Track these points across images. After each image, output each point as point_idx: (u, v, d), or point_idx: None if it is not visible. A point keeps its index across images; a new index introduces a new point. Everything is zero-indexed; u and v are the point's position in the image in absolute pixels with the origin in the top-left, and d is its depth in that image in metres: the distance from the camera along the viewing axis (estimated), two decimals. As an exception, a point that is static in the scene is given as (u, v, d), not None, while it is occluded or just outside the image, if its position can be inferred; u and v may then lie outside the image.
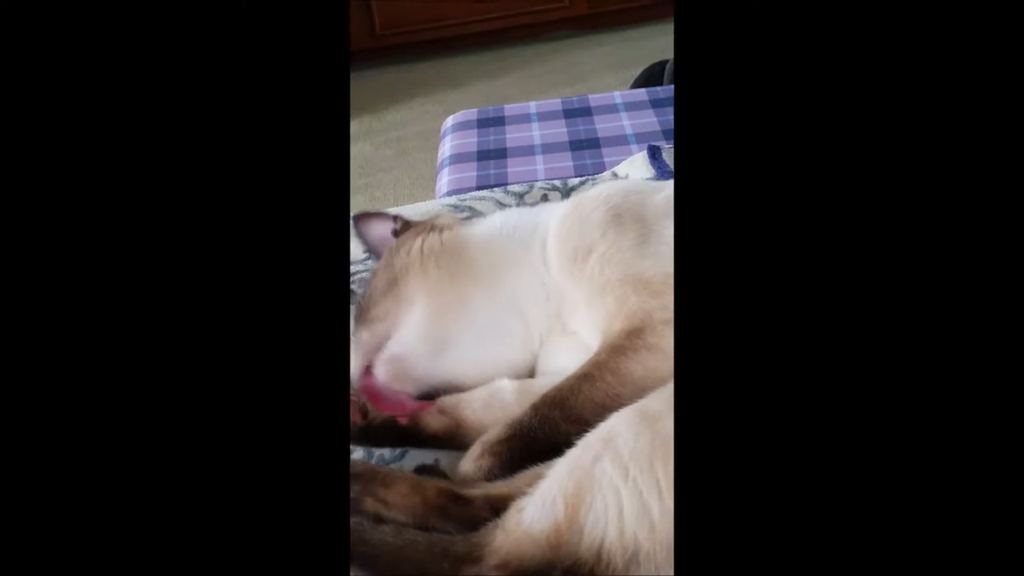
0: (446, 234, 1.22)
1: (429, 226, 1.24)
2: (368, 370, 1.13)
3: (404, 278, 1.16)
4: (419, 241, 1.20)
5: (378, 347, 1.13)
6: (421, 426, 1.10)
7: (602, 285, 1.08)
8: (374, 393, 1.11)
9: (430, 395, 1.13)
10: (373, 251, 1.34)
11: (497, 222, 1.27)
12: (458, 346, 1.14)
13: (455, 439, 1.08)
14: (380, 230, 1.32)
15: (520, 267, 1.17)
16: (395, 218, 1.31)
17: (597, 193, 1.20)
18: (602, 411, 0.94)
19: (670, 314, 1.01)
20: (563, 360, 1.10)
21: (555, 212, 1.22)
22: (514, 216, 1.29)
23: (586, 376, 1.01)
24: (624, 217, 1.12)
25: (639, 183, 1.45)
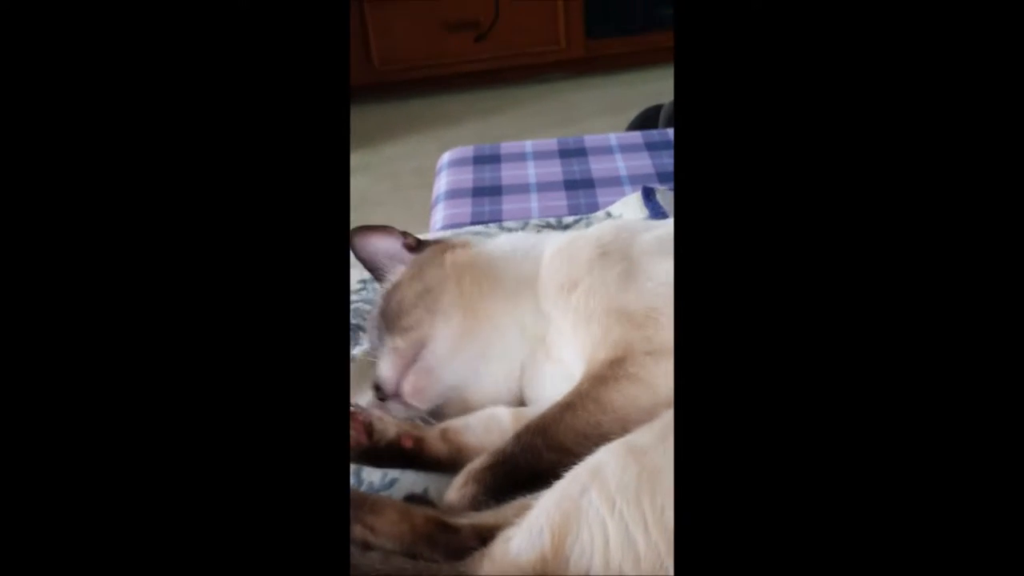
0: (472, 250, 1.25)
1: (450, 244, 1.27)
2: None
3: (439, 290, 1.19)
4: (450, 255, 1.23)
5: (414, 355, 1.15)
6: (424, 450, 1.11)
7: (587, 316, 1.10)
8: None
9: (438, 412, 1.15)
10: (372, 266, 1.31)
11: (508, 244, 1.30)
12: (483, 364, 1.17)
13: (456, 464, 1.09)
14: (384, 245, 1.30)
15: (528, 291, 1.20)
16: (404, 234, 1.30)
17: (590, 232, 1.24)
18: (583, 439, 0.96)
19: (651, 346, 1.03)
20: (550, 388, 1.13)
21: (550, 243, 1.25)
22: (520, 239, 1.33)
23: (568, 405, 1.03)
24: (611, 254, 1.14)
25: (631, 223, 1.48)
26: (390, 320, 1.19)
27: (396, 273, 1.26)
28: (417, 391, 1.14)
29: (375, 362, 1.18)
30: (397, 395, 1.14)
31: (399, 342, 1.16)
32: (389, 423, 1.13)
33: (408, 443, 1.11)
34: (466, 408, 1.15)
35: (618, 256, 1.14)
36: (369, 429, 1.11)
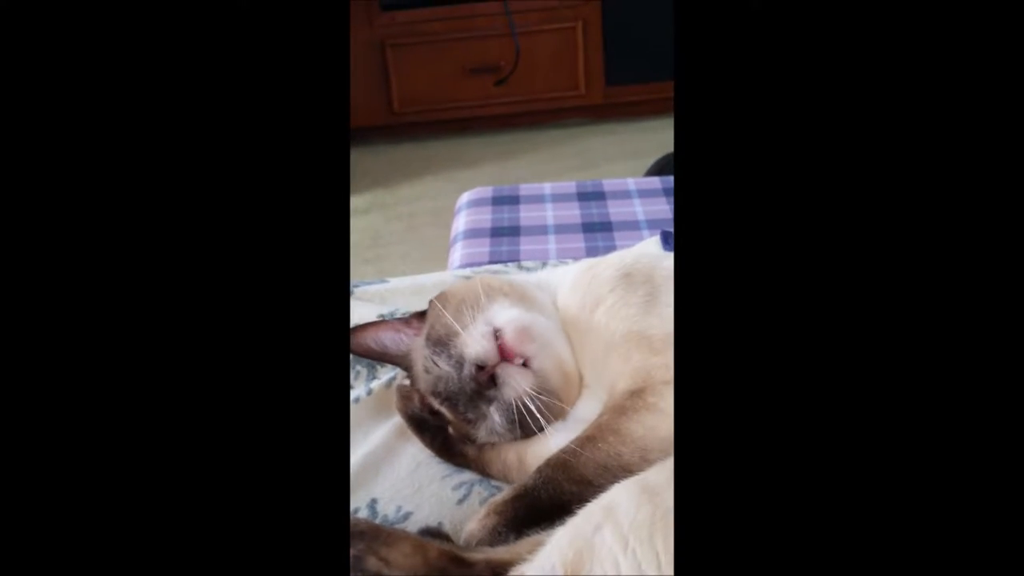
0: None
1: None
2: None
3: (472, 296, 1.18)
4: (468, 281, 1.25)
5: (491, 329, 1.14)
6: (462, 441, 1.15)
7: (608, 341, 1.12)
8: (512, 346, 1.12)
9: (547, 384, 1.13)
10: (380, 355, 1.30)
11: (520, 276, 1.33)
12: (544, 324, 1.17)
13: (479, 462, 1.15)
14: (386, 334, 1.29)
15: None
16: (403, 320, 1.30)
17: (612, 256, 1.26)
18: (604, 471, 0.99)
19: (670, 374, 1.04)
20: (584, 408, 1.15)
21: (570, 268, 1.29)
22: (532, 275, 1.36)
23: (588, 438, 1.04)
24: (634, 276, 1.16)
25: (652, 252, 1.51)
26: (446, 335, 1.17)
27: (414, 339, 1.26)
28: (521, 331, 1.12)
29: (431, 368, 1.18)
30: (504, 359, 1.12)
31: (475, 329, 1.14)
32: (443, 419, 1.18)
33: (454, 432, 1.17)
34: (561, 367, 1.15)
35: (641, 280, 1.16)
36: (432, 410, 1.19)
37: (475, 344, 1.12)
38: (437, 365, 1.16)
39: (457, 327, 1.15)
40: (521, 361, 1.12)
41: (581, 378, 1.17)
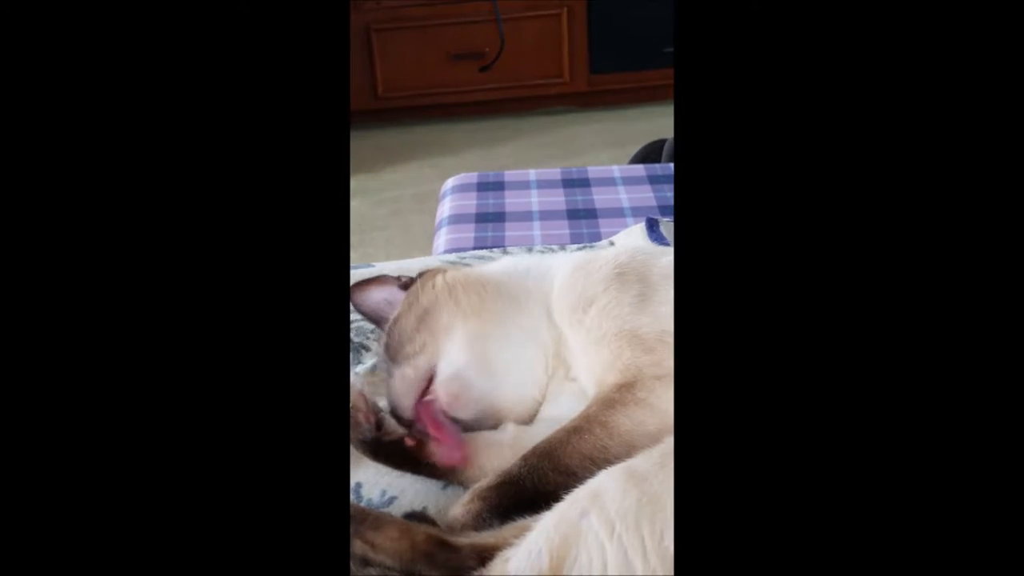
0: (463, 269, 1.27)
1: (440, 268, 1.28)
2: (422, 399, 1.14)
3: (435, 310, 1.19)
4: (440, 277, 1.23)
5: (426, 377, 1.15)
6: (423, 452, 1.12)
7: (599, 337, 1.11)
8: (433, 420, 1.12)
9: (477, 426, 1.14)
10: (376, 317, 1.32)
11: (510, 262, 1.32)
12: (500, 366, 1.16)
13: (449, 473, 1.12)
14: (381, 294, 1.31)
15: (534, 302, 1.21)
16: (398, 278, 1.31)
17: (607, 252, 1.25)
18: (589, 463, 0.98)
19: (661, 371, 1.04)
20: (564, 406, 1.13)
21: (565, 260, 1.26)
22: (520, 259, 1.35)
23: (576, 429, 1.04)
24: (628, 275, 1.15)
25: (647, 246, 1.50)
26: (394, 353, 1.19)
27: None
28: (453, 397, 1.13)
29: (386, 379, 1.19)
30: (414, 421, 1.13)
31: (407, 371, 1.16)
32: (396, 426, 1.14)
33: (411, 442, 1.12)
34: (500, 418, 1.15)
35: (635, 278, 1.14)
36: (380, 422, 1.13)
37: (398, 395, 1.16)
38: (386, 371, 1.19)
39: (401, 352, 1.17)
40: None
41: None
